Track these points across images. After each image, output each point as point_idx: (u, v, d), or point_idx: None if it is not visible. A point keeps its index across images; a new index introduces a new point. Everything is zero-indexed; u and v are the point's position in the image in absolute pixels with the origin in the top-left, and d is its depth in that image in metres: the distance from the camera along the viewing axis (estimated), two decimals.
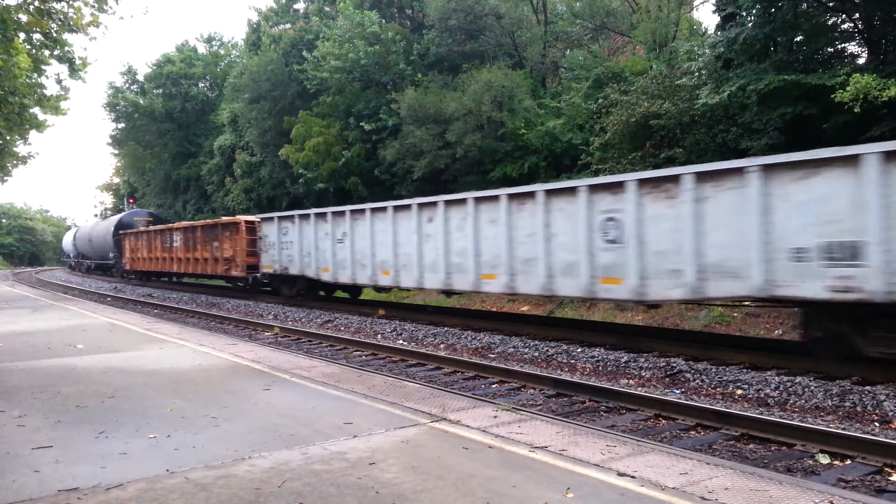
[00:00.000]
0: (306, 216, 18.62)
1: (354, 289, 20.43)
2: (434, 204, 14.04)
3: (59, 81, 22.54)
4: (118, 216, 41.27)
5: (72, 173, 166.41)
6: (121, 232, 36.54)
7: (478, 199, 12.97)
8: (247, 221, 22.13)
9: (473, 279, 13.01)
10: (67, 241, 56.29)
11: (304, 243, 18.59)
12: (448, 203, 13.74)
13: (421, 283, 14.56)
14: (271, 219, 20.45)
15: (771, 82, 13.40)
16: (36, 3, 12.03)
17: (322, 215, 17.99)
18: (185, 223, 28.04)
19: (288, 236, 19.30)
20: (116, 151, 56.11)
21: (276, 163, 31.50)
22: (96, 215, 66.91)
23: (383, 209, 15.60)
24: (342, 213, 17.18)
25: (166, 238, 28.65)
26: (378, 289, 17.16)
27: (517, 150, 22.42)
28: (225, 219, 24.20)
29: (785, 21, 14.10)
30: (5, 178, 24.85)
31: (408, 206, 14.79)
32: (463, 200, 13.32)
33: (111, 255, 39.51)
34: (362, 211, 16.35)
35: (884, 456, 5.59)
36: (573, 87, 22.81)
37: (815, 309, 8.82)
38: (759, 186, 8.62)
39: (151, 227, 31.72)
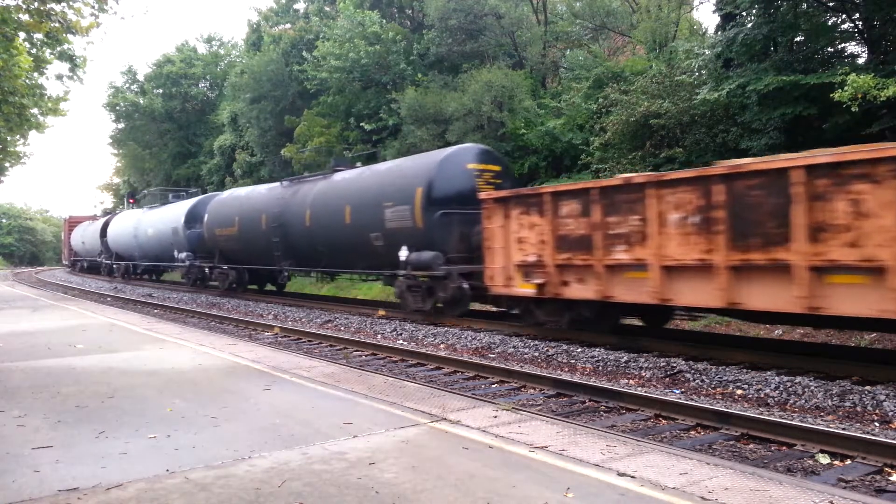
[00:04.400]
0: None
1: None
2: None
3: (59, 77, 22.43)
4: (426, 159, 15.54)
5: (72, 173, 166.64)
6: (506, 195, 12.24)
7: None
8: None
9: None
10: (143, 231, 30.40)
11: None
12: None
13: None
14: None
15: (770, 83, 13.41)
16: (35, 4, 12.02)
17: None
18: None
19: None
20: (116, 151, 56.13)
21: (276, 162, 31.52)
22: (111, 209, 51.42)
23: None
24: None
25: None
26: None
27: (517, 150, 22.42)
28: None
29: (784, 21, 14.11)
30: (2, 178, 24.80)
31: None
32: None
33: (459, 254, 14.22)
34: None
35: (884, 456, 5.59)
36: (573, 87, 22.79)
37: None
38: None
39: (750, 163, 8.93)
